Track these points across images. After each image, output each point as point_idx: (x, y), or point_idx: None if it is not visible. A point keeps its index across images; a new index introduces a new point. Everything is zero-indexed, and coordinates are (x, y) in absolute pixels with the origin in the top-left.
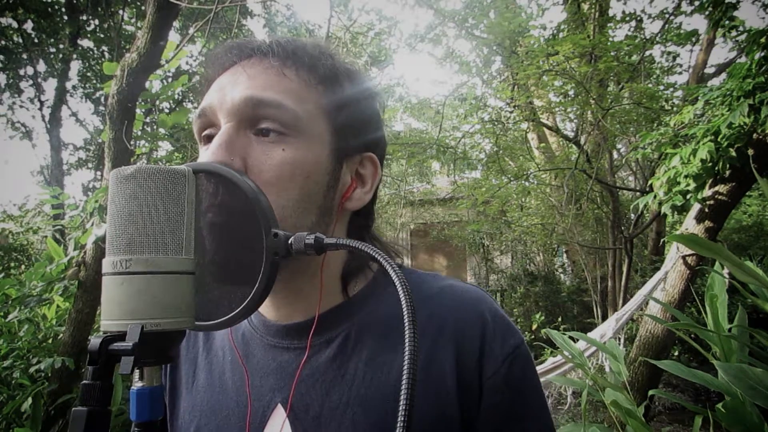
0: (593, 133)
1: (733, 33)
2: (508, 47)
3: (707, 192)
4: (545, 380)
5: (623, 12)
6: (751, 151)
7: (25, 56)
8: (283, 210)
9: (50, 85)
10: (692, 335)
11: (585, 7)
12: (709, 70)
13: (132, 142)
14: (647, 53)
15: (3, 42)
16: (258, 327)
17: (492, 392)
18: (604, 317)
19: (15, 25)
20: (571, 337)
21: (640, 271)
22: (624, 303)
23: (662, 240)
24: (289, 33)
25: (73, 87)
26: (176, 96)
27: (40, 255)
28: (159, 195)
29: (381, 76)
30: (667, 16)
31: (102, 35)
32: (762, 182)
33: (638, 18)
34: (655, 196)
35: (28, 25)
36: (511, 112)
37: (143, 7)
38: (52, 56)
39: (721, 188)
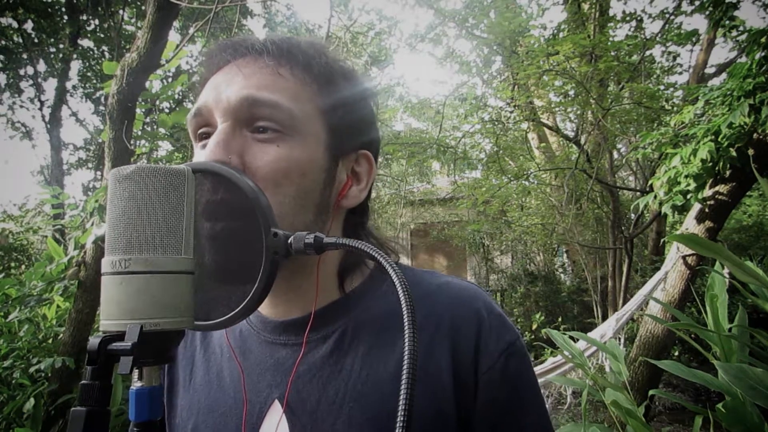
0: (593, 133)
1: (734, 33)
2: (508, 47)
3: (707, 192)
4: (545, 380)
5: (623, 12)
6: (751, 151)
7: (25, 56)
8: (280, 208)
9: (50, 85)
10: (692, 335)
11: (585, 6)
12: (709, 70)
13: (132, 142)
14: (647, 53)
15: (3, 42)
16: (255, 324)
17: (488, 388)
18: (605, 317)
19: (15, 25)
20: (571, 337)
21: (640, 271)
22: (624, 303)
23: (662, 240)
24: (289, 33)
25: (73, 87)
26: (176, 96)
27: (40, 255)
28: (158, 194)
29: (381, 76)
30: (667, 16)
31: (102, 35)
32: (762, 182)
33: (638, 18)
34: (655, 196)
35: (28, 25)
36: (512, 112)
37: (143, 7)
38: (52, 56)
39: (722, 188)
